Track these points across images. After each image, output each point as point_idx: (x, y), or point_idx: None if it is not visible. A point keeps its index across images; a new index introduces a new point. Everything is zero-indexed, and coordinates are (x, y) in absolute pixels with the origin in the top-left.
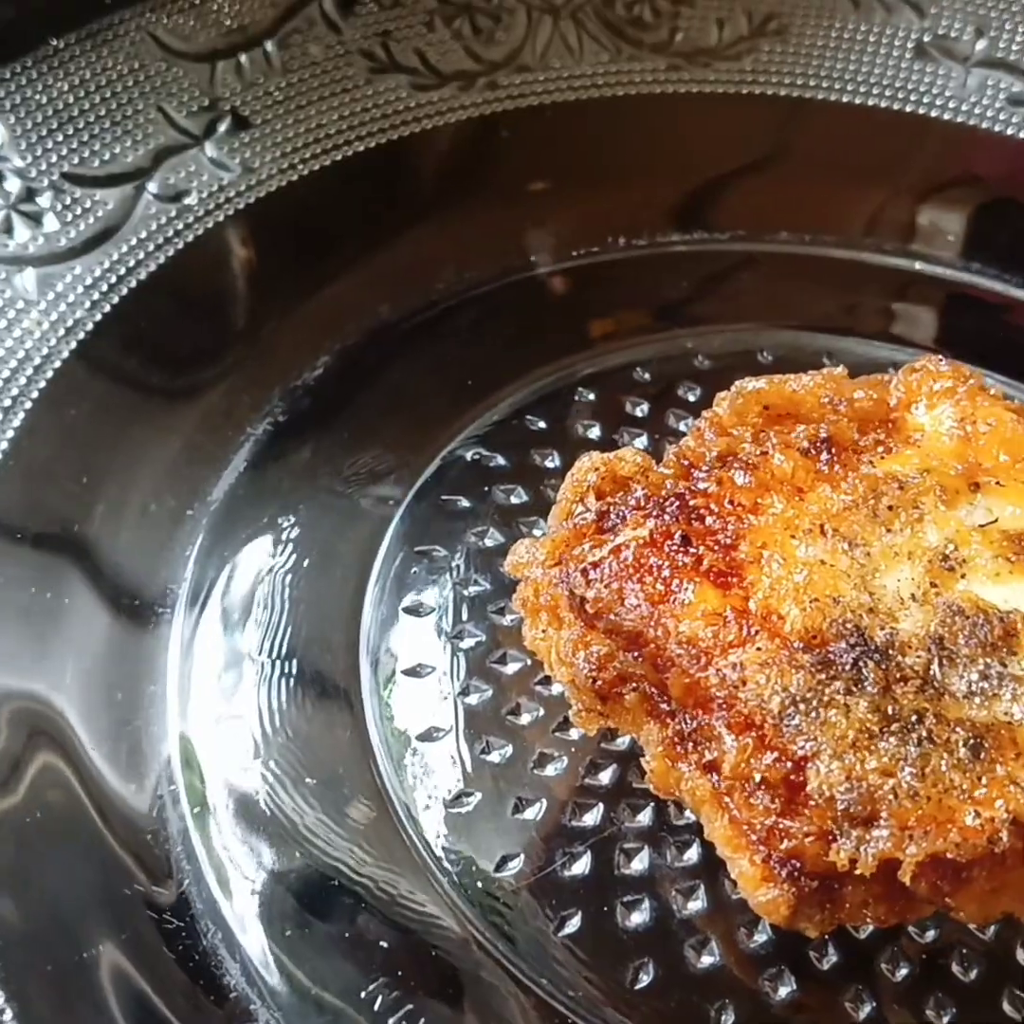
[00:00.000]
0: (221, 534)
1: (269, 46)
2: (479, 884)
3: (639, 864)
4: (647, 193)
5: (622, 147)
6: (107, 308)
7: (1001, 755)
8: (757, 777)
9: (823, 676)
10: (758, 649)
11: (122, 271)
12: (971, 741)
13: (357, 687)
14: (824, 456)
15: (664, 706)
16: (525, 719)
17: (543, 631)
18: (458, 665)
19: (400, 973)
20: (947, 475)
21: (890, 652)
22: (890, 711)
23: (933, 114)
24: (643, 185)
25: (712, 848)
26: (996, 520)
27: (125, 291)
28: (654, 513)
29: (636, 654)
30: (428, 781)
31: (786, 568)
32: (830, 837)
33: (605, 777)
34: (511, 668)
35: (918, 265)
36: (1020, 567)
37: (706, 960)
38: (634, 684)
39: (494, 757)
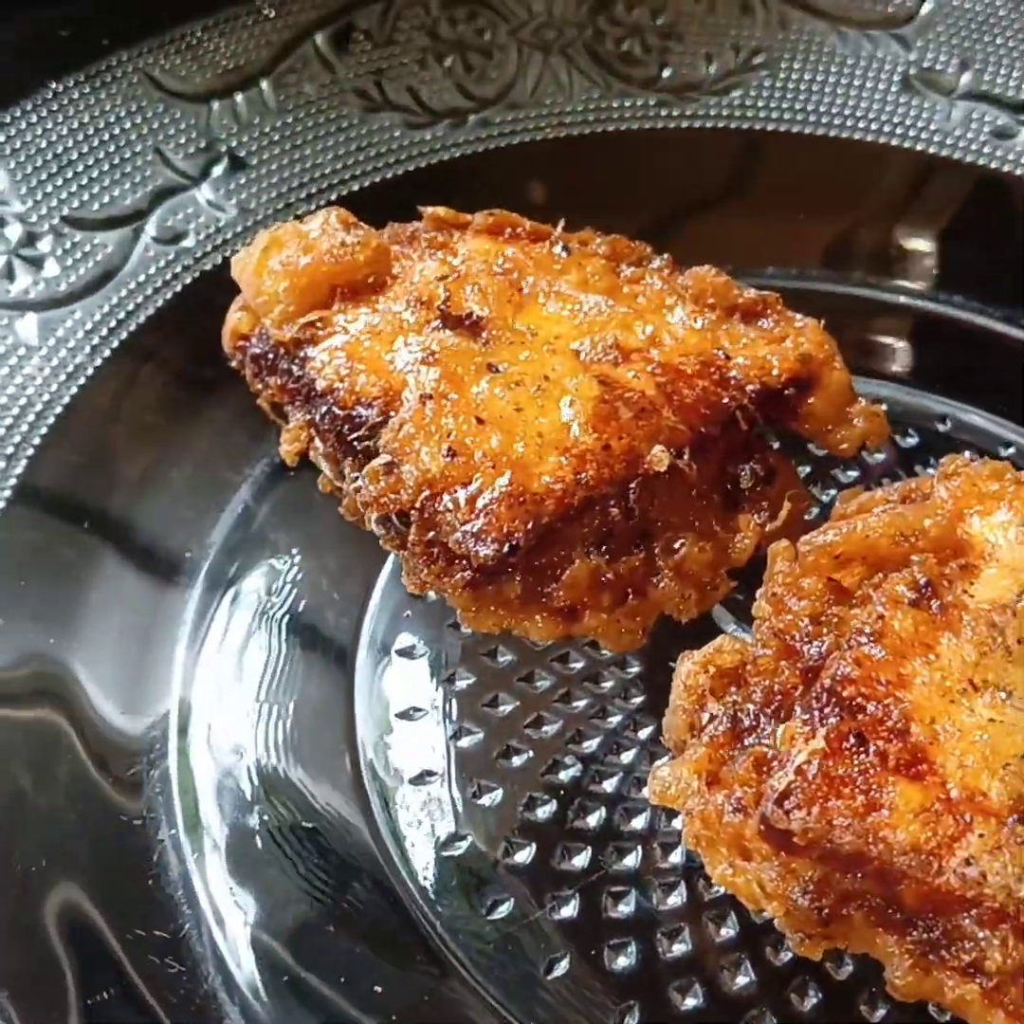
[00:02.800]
0: (218, 576)
1: (264, 85)
2: (470, 927)
3: (626, 907)
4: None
5: (598, 183)
6: (107, 352)
7: None
8: None
9: None
10: (981, 836)
11: (122, 315)
12: None
13: (352, 732)
14: (935, 604)
15: (896, 916)
16: (516, 762)
17: (730, 865)
18: (451, 708)
19: (394, 1018)
20: None
21: None
22: None
23: (919, 147)
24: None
25: (696, 890)
26: None
27: (125, 334)
28: (814, 716)
29: (857, 873)
30: (420, 824)
31: (964, 739)
32: None
33: (593, 820)
34: (502, 710)
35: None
36: None
37: (690, 1002)
38: (857, 901)
39: (485, 800)
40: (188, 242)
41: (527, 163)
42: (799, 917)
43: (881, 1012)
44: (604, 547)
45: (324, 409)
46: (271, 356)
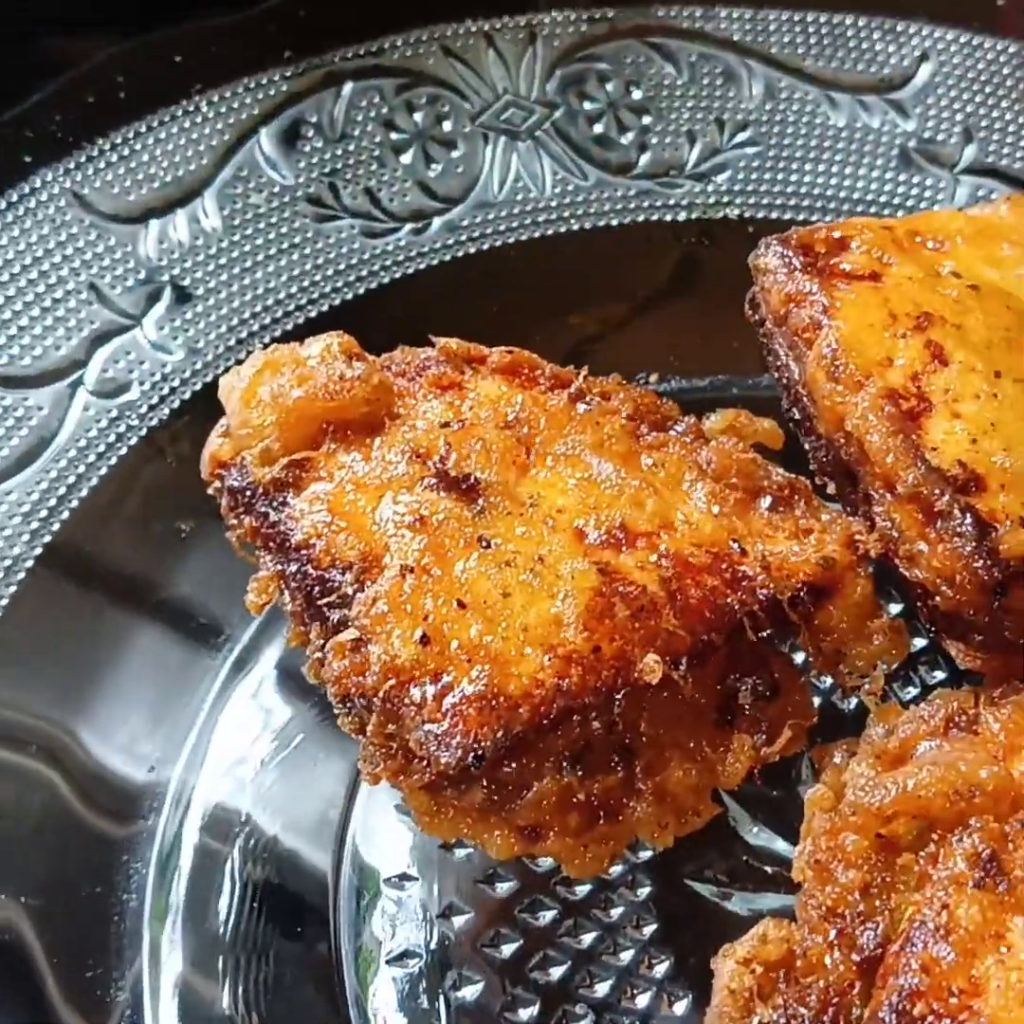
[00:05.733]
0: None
1: (207, 198)
2: None
3: None
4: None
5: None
6: (48, 538)
7: None
8: None
9: None
10: None
11: (62, 490)
12: None
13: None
14: (1002, 883)
15: None
16: (523, 1015)
17: None
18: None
19: None
20: None
21: None
22: None
23: None
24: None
25: None
26: None
27: (66, 514)
28: None
29: None
30: None
31: None
32: None
33: None
34: (504, 951)
35: None
36: None
37: None
38: None
39: None
40: (131, 394)
41: (499, 269)
42: None
43: None
44: (579, 762)
45: (296, 566)
46: (248, 494)
